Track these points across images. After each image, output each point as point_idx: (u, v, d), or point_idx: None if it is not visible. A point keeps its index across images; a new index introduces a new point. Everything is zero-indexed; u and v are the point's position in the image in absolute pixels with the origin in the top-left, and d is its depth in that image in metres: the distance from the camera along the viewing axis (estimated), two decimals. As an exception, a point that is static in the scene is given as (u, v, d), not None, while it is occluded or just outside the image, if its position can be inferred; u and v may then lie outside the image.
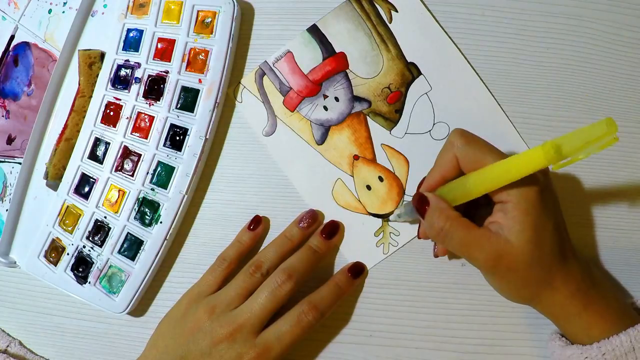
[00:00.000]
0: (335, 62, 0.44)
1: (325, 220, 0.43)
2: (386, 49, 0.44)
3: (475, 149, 0.35)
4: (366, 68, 0.44)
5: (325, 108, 0.44)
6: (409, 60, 0.44)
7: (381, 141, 0.44)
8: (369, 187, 0.44)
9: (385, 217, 0.43)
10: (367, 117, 0.44)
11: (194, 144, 0.43)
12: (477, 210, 0.38)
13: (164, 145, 0.43)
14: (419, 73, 0.44)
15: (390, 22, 0.44)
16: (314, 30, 0.44)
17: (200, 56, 0.43)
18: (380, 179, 0.44)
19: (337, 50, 0.44)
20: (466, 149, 0.35)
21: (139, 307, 0.44)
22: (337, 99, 0.44)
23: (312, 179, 0.44)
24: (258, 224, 0.43)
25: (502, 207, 0.34)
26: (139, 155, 0.43)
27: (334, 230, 0.43)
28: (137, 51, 0.44)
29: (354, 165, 0.44)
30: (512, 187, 0.33)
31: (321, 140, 0.44)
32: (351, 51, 0.44)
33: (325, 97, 0.44)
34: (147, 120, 0.43)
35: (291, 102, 0.44)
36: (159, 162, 0.43)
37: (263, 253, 0.42)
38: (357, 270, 0.42)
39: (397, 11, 0.44)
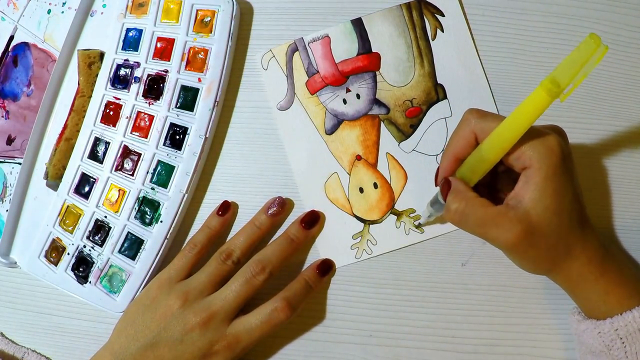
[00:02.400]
0: (368, 61, 0.44)
1: (307, 210, 0.43)
2: (421, 63, 0.44)
3: (492, 121, 0.34)
4: (396, 76, 0.44)
5: (344, 101, 0.44)
6: (438, 81, 0.44)
7: (387, 150, 0.44)
8: (361, 190, 0.44)
9: (368, 223, 0.43)
10: (382, 123, 0.44)
11: (193, 143, 0.43)
12: (501, 188, 0.38)
13: (164, 144, 0.43)
14: (445, 96, 0.44)
15: (433, 40, 0.44)
16: (358, 24, 0.44)
17: (200, 55, 0.43)
18: (375, 185, 0.44)
19: (373, 50, 0.44)
20: (483, 122, 0.35)
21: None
22: (358, 96, 0.44)
23: (310, 165, 0.44)
24: (227, 209, 0.43)
25: (525, 174, 0.34)
26: (139, 155, 0.43)
27: (314, 220, 0.43)
28: (137, 50, 0.44)
29: (354, 164, 0.44)
30: (535, 152, 0.33)
31: (330, 131, 0.44)
32: (387, 55, 0.44)
33: (348, 90, 0.44)
34: (146, 119, 0.43)
35: (313, 85, 0.44)
36: (159, 162, 0.43)
37: (233, 241, 0.42)
38: (325, 268, 0.42)
39: (442, 31, 0.44)
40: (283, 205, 0.43)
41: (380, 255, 0.43)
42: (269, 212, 0.42)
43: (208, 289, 0.40)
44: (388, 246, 0.43)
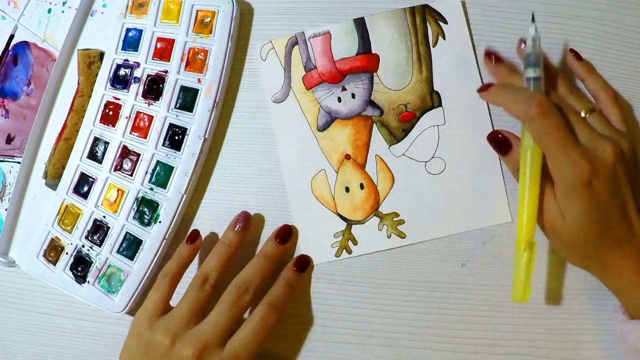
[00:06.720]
0: (367, 61, 0.44)
1: (280, 222, 0.43)
2: (419, 69, 0.44)
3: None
4: (393, 79, 0.44)
5: (339, 99, 0.44)
6: (435, 88, 0.44)
7: (377, 152, 0.44)
8: (347, 189, 0.44)
9: (351, 222, 0.43)
10: (374, 125, 0.44)
11: (193, 143, 0.43)
12: None
13: (163, 144, 0.43)
14: (439, 104, 0.44)
15: (433, 46, 0.44)
16: (360, 24, 0.44)
17: (200, 56, 0.43)
18: (362, 186, 0.43)
19: (373, 51, 0.44)
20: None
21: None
22: (353, 96, 0.44)
23: (299, 160, 0.44)
24: (196, 237, 0.42)
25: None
26: (138, 155, 0.43)
27: (287, 234, 0.42)
28: (137, 51, 0.44)
29: (342, 163, 0.44)
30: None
31: (322, 128, 0.44)
32: (386, 57, 0.44)
33: (344, 89, 0.44)
34: (146, 119, 0.43)
35: (310, 81, 0.44)
36: (158, 162, 0.43)
37: (206, 264, 0.41)
38: (302, 264, 0.42)
39: (444, 39, 0.44)
40: (248, 219, 0.42)
41: (360, 256, 0.43)
42: (236, 227, 0.42)
43: (192, 319, 0.39)
44: (368, 248, 0.43)
